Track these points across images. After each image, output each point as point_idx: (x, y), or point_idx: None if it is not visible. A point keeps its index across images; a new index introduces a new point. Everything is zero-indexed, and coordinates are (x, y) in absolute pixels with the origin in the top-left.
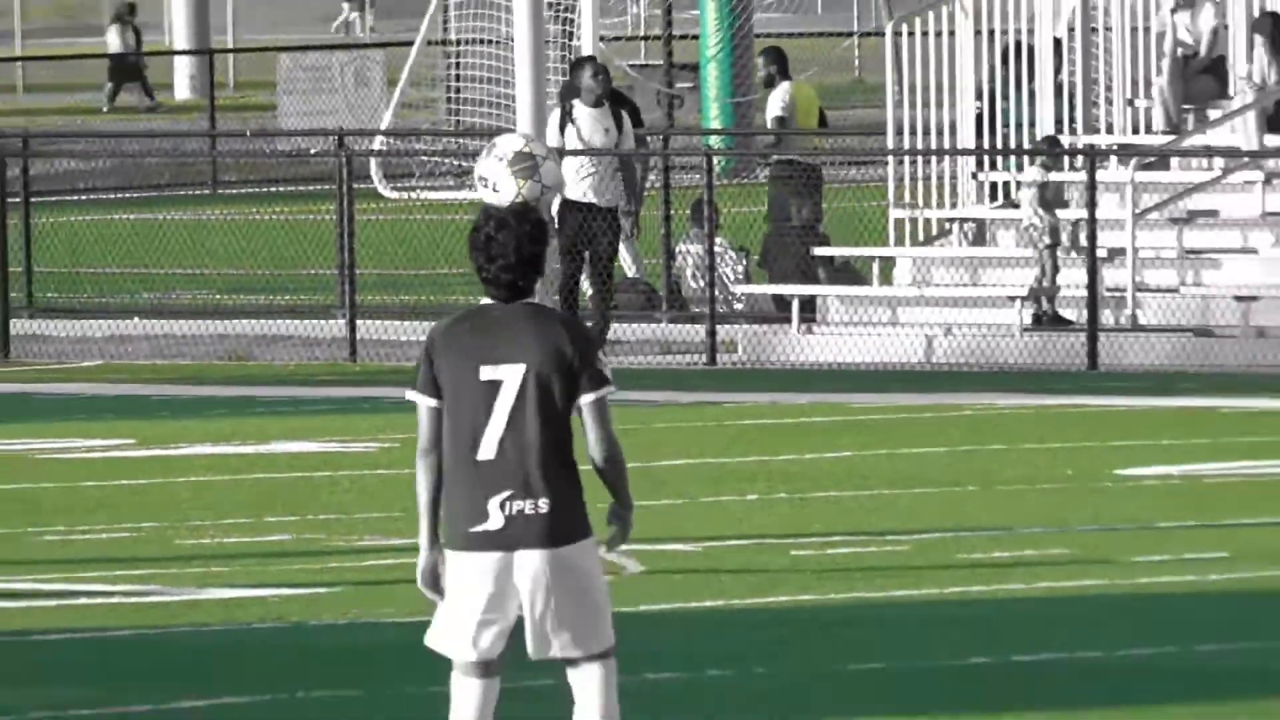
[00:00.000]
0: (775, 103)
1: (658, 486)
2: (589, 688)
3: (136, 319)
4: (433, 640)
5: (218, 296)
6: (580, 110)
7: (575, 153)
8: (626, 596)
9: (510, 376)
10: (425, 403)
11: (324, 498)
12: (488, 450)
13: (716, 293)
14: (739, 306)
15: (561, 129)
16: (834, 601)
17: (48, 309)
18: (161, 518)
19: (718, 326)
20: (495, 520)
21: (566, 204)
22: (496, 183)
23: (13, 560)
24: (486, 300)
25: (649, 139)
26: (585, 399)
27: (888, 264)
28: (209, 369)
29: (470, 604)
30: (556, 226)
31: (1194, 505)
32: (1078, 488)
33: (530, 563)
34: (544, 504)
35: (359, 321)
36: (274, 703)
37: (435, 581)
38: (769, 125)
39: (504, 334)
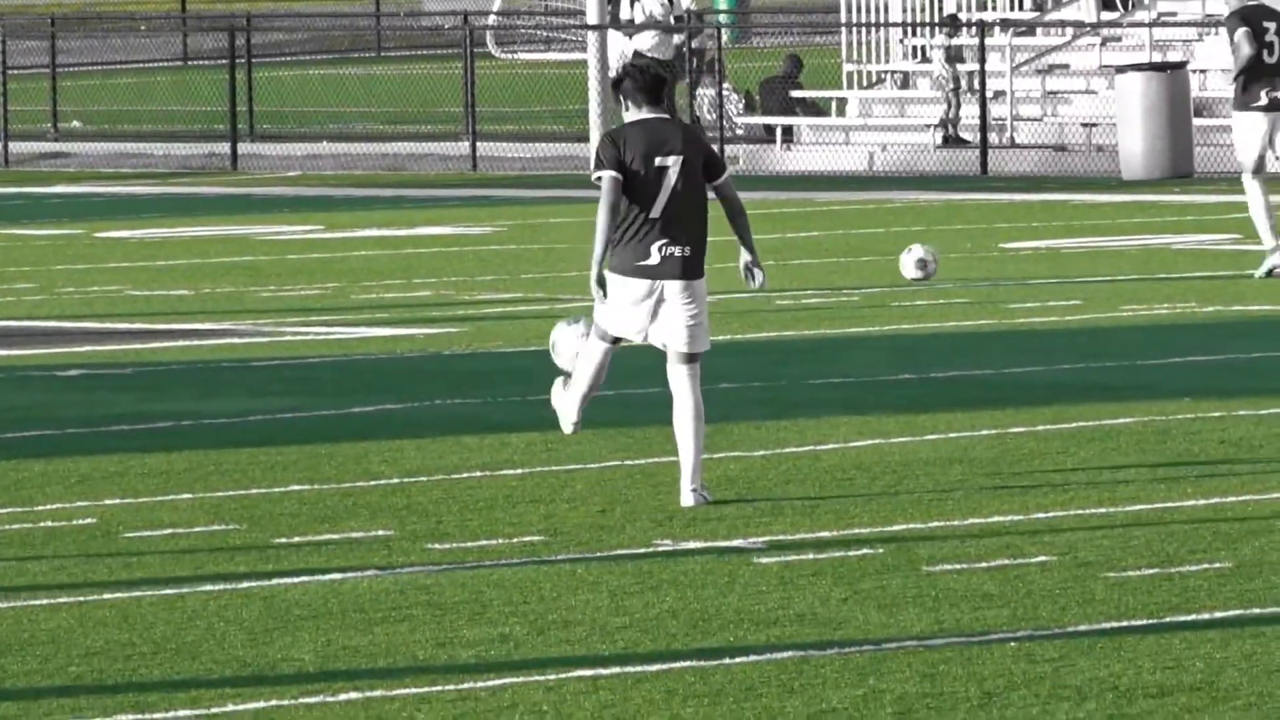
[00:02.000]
0: None
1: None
2: (686, 381)
3: (325, 142)
4: (598, 319)
5: (381, 126)
6: None
7: (642, 26)
8: None
9: (672, 164)
10: (612, 175)
11: (454, 265)
12: (657, 211)
13: (724, 122)
14: (740, 132)
15: (631, 3)
16: (807, 336)
17: (264, 136)
18: (342, 279)
19: (725, 145)
20: (655, 258)
21: (636, 55)
22: (556, 344)
23: (238, 309)
24: (636, 115)
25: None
26: (720, 178)
27: (843, 102)
28: (375, 177)
29: (625, 309)
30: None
31: (1056, 268)
32: (974, 256)
33: (671, 289)
34: (687, 250)
35: (478, 144)
36: (419, 408)
37: (601, 288)
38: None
39: (664, 135)
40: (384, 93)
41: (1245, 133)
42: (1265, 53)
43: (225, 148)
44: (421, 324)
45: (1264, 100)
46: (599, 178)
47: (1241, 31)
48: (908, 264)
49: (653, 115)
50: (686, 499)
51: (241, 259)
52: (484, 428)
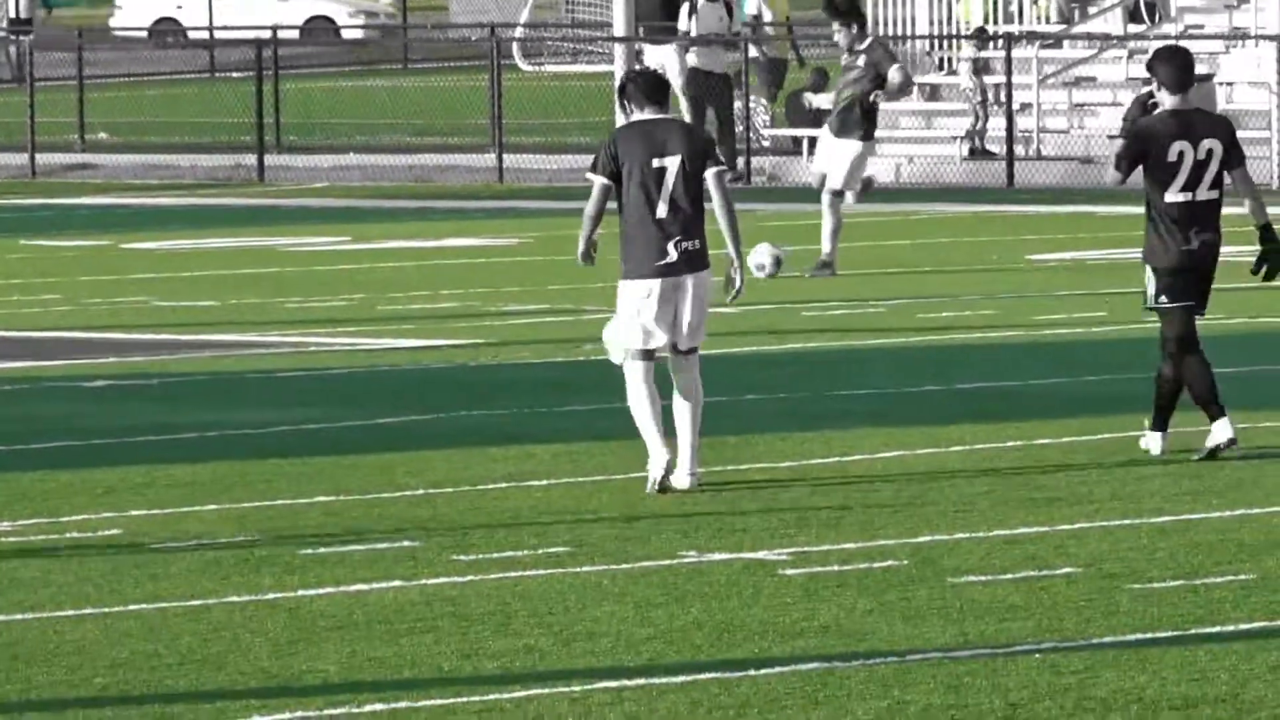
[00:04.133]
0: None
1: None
2: (687, 368)
3: (351, 154)
4: (613, 338)
5: (408, 138)
6: (702, 3)
7: (691, 41)
8: None
9: (671, 164)
10: (601, 181)
11: (480, 276)
12: (660, 213)
13: (750, 134)
14: (766, 144)
15: (690, 16)
16: (833, 347)
17: (291, 148)
18: (368, 291)
19: (751, 157)
20: (671, 255)
21: (693, 71)
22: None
23: (264, 321)
24: (638, 117)
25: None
26: (711, 172)
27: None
28: (401, 188)
29: (648, 313)
30: (686, 90)
31: (1082, 280)
32: (1000, 268)
33: (690, 282)
34: (697, 244)
35: (504, 155)
36: (444, 419)
37: (591, 255)
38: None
39: (663, 135)
40: (411, 105)
41: None
42: None
43: (252, 159)
44: (447, 335)
45: None
46: (590, 180)
47: None
48: (753, 261)
49: (653, 116)
50: (682, 482)
51: (268, 270)
52: (509, 439)
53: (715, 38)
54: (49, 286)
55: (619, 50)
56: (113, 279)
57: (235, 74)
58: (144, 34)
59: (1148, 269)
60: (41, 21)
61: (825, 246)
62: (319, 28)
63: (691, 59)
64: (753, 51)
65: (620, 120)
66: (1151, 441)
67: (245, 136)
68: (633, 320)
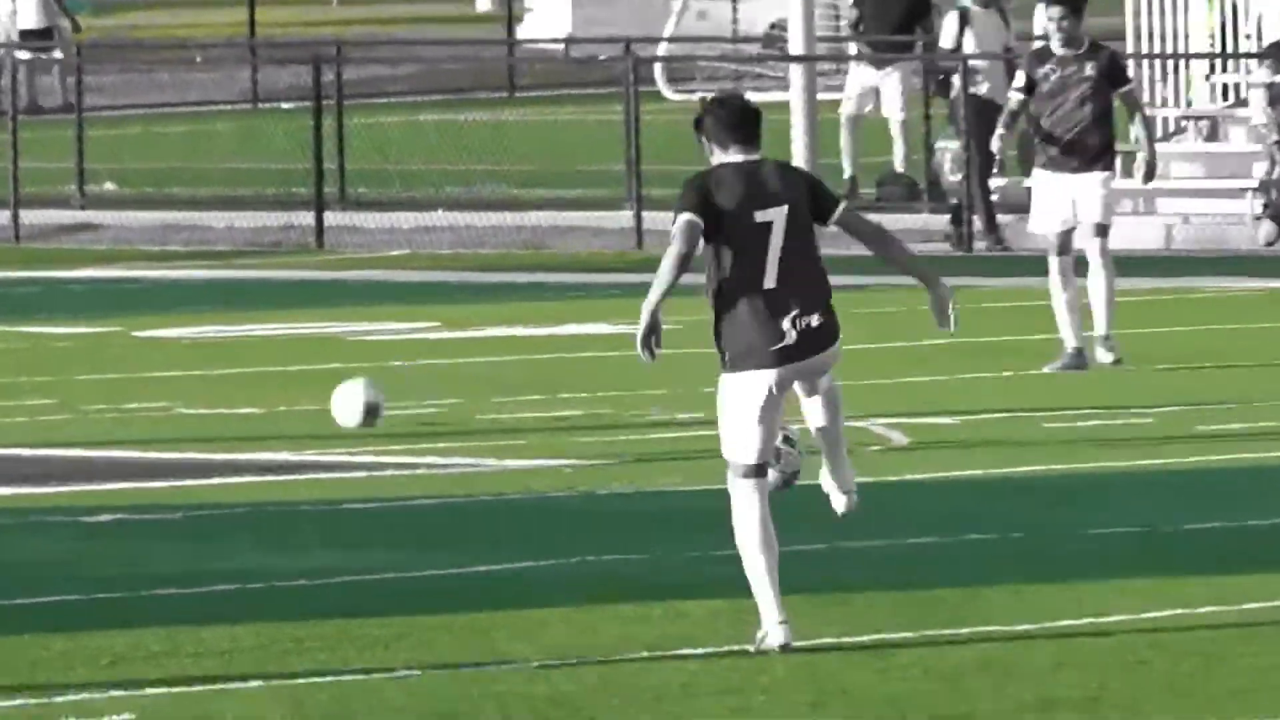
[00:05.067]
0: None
1: (920, 363)
2: (837, 449)
3: (440, 211)
4: (729, 452)
5: (514, 190)
6: (975, 12)
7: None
8: (892, 467)
9: (777, 216)
10: (692, 219)
11: (612, 376)
12: (770, 280)
13: (971, 185)
14: (994, 198)
15: (961, 29)
16: (1083, 470)
17: (358, 202)
18: (463, 395)
19: (972, 216)
20: (790, 335)
21: (979, 101)
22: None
23: (326, 434)
24: (721, 159)
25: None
26: (835, 214)
27: (1129, 158)
28: (506, 257)
29: (765, 413)
30: (966, 124)
31: None
32: None
33: (817, 364)
34: (822, 316)
35: (644, 213)
36: (564, 566)
37: (656, 345)
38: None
39: (763, 181)
40: (519, 145)
41: None
42: None
43: (308, 218)
44: (568, 454)
45: None
46: (676, 220)
47: None
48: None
49: (744, 158)
50: (839, 505)
51: (328, 367)
52: (651, 593)
53: (1001, 55)
54: (39, 388)
55: (796, 74)
56: (122, 378)
57: (285, 104)
58: (157, 47)
59: None
60: (69, 38)
61: (1067, 335)
62: (394, 40)
63: (962, 83)
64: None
65: (800, 166)
66: None
67: (299, 188)
68: (741, 425)
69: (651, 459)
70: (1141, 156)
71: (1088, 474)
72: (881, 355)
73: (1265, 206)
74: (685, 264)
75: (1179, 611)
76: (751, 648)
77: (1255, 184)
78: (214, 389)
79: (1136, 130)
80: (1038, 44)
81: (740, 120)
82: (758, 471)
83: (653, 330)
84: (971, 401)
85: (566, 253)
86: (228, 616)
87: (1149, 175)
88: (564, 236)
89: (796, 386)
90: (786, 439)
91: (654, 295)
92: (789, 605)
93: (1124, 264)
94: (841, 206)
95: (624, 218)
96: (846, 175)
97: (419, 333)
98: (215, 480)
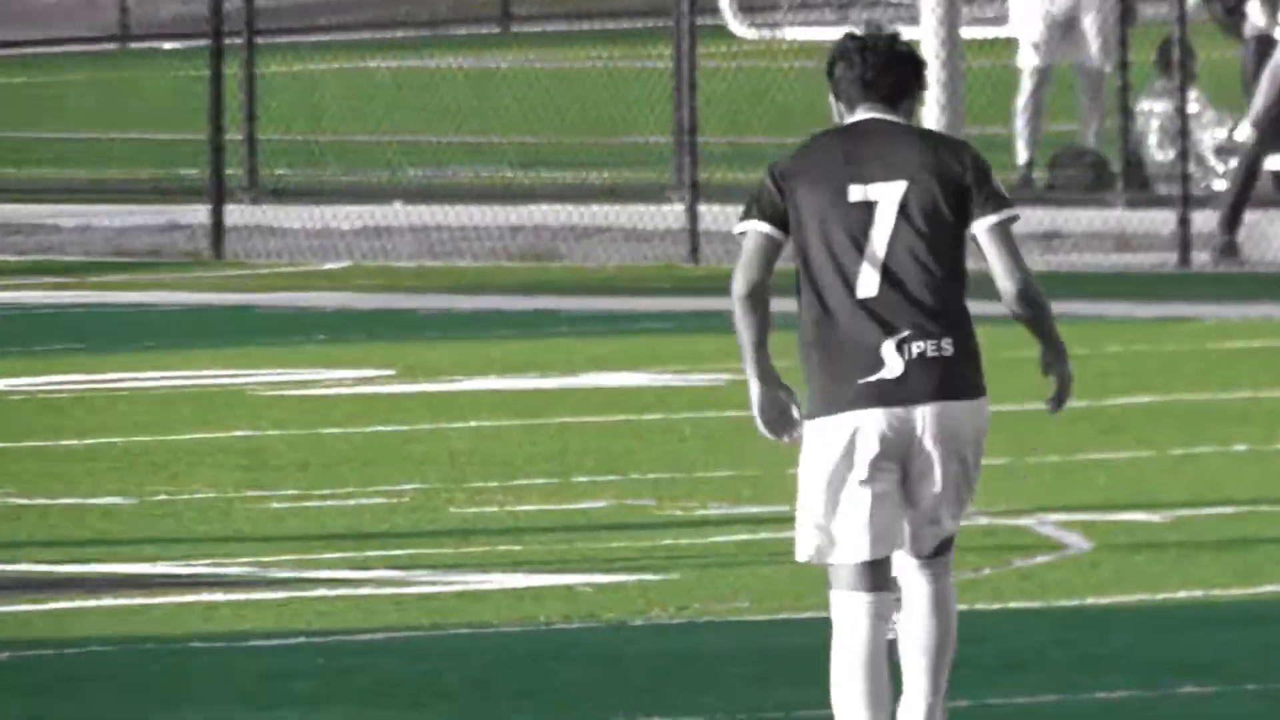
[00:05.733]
0: None
1: (1110, 431)
2: (931, 582)
3: (398, 204)
4: (809, 551)
5: (510, 174)
6: None
7: None
8: (1068, 584)
9: (887, 195)
10: (754, 226)
11: (655, 450)
12: (867, 288)
13: (1191, 168)
14: (1222, 186)
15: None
16: None
17: (276, 191)
18: (431, 478)
19: (1193, 214)
20: (893, 366)
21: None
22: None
23: (225, 536)
24: (850, 119)
25: None
26: (985, 222)
27: None
28: (497, 273)
29: (866, 478)
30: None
31: None
32: None
33: (933, 416)
34: (947, 345)
35: (702, 207)
36: None
37: (781, 416)
38: None
39: (877, 149)
40: (516, 104)
41: None
42: None
43: (200, 214)
44: (588, 567)
45: None
46: (741, 233)
47: None
48: None
49: (871, 117)
50: None
51: (232, 435)
52: None
53: None
54: None
55: (929, 3)
56: None
57: (167, 44)
58: None
59: None
60: None
61: None
62: None
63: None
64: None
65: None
66: None
67: (189, 169)
68: (829, 497)
69: (711, 570)
70: None
71: None
72: (1048, 420)
73: None
74: (758, 303)
75: None
76: None
77: None
78: (60, 467)
79: None
80: None
81: (877, 71)
82: (868, 578)
83: (772, 405)
84: (1187, 489)
85: (587, 266)
86: None
87: None
88: (583, 241)
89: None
90: None
91: (745, 356)
92: None
93: None
94: (1004, 215)
95: (673, 214)
96: (1021, 159)
97: (365, 384)
98: (62, 604)
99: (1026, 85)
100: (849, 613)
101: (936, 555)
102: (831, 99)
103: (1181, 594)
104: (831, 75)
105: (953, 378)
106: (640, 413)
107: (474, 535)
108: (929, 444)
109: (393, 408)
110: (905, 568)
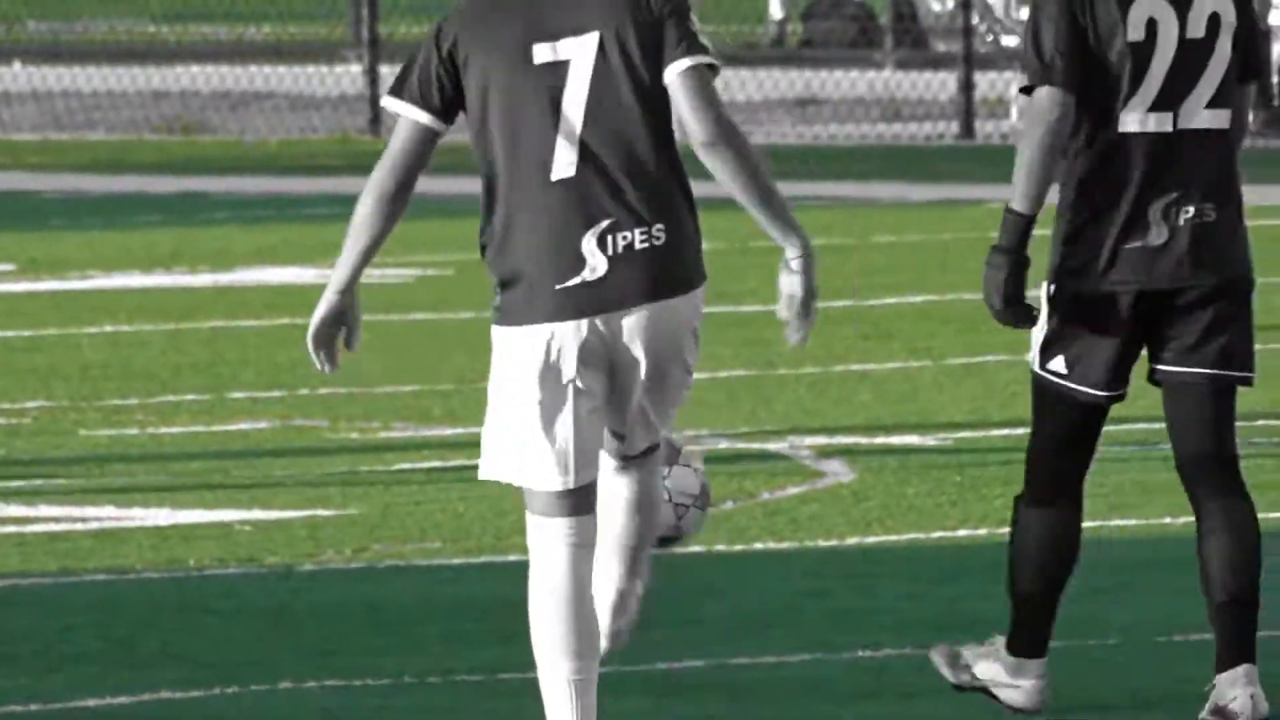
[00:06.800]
0: None
1: (876, 337)
2: (639, 485)
3: (18, 66)
4: (496, 470)
5: (153, 28)
6: None
7: None
8: (827, 521)
9: (579, 54)
10: (409, 112)
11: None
12: (563, 167)
13: (975, 19)
14: (1011, 42)
15: None
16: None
17: None
18: (59, 394)
19: (977, 76)
20: (595, 265)
21: None
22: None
23: None
24: None
25: None
26: (676, 66)
27: None
28: (137, 147)
29: (550, 397)
30: None
31: None
32: None
33: (646, 321)
34: (659, 232)
35: (384, 68)
36: (240, 697)
37: (329, 331)
38: None
39: None
40: None
41: None
42: None
43: None
44: (246, 501)
45: None
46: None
47: None
48: None
49: None
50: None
51: None
52: None
53: None
54: None
55: None
56: None
57: None
58: None
59: None
60: None
61: None
62: None
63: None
64: None
65: None
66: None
67: None
68: (516, 417)
69: (396, 506)
70: None
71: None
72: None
73: None
74: (399, 207)
75: None
76: None
77: None
78: None
79: None
80: None
81: None
82: (569, 502)
83: (334, 321)
84: (969, 407)
85: (245, 139)
86: None
87: None
88: (244, 110)
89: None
90: (676, 452)
91: (340, 270)
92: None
93: None
94: (698, 59)
95: (348, 76)
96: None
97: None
98: None
99: None
100: (546, 541)
101: (645, 455)
102: None
103: (962, 533)
104: None
105: (667, 272)
106: (309, 315)
107: (111, 463)
108: (639, 351)
109: (11, 310)
110: (605, 468)
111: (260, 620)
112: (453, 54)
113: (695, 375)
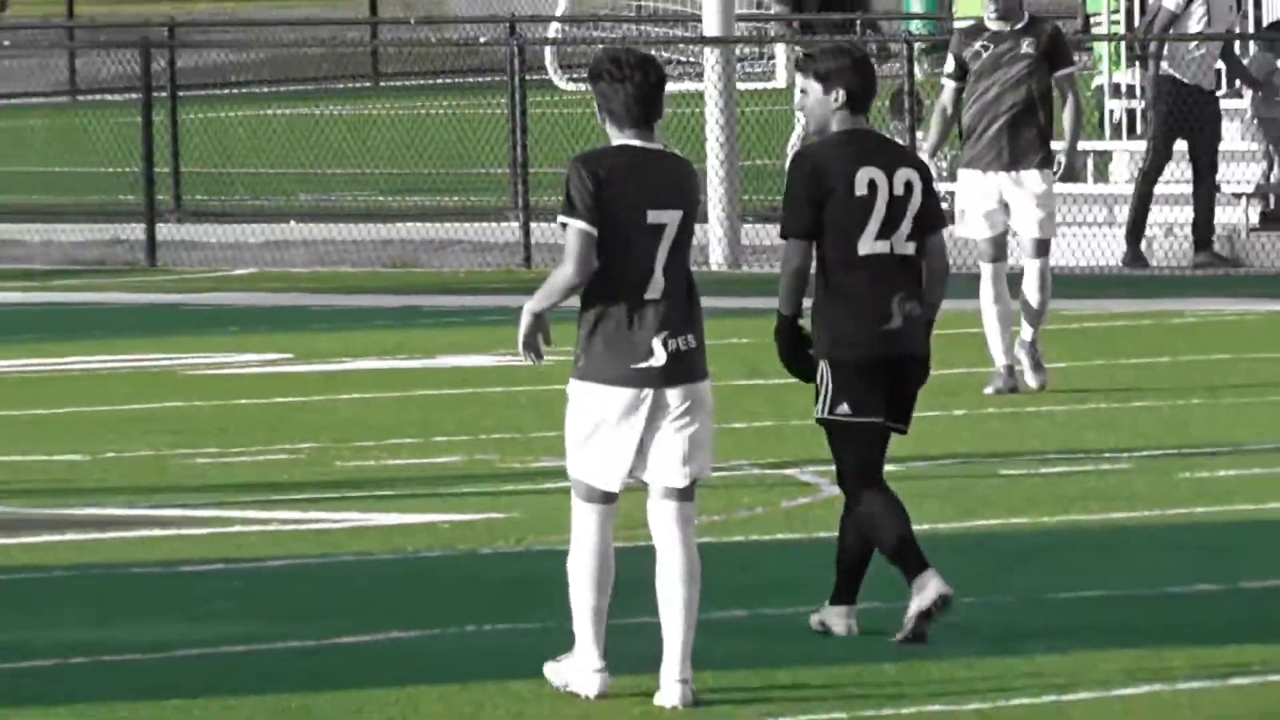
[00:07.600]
0: None
1: None
2: (679, 528)
3: (293, 223)
4: (580, 471)
5: (381, 198)
6: None
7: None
8: (825, 520)
9: (671, 221)
10: (584, 229)
11: (497, 416)
12: (653, 291)
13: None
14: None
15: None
16: (1047, 525)
17: (197, 212)
18: (322, 438)
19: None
20: (659, 356)
21: (1175, 86)
22: None
23: (161, 486)
24: (621, 140)
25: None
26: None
27: (1104, 159)
28: (372, 277)
29: (622, 437)
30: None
31: None
32: None
33: (678, 398)
34: (692, 339)
35: (533, 225)
36: (443, 637)
37: (537, 338)
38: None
39: (664, 177)
40: (385, 144)
41: None
42: None
43: (137, 230)
44: (446, 509)
45: None
46: (565, 225)
47: None
48: None
49: (641, 144)
50: (670, 695)
51: (164, 406)
52: (542, 670)
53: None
54: None
55: (711, 59)
56: None
57: (110, 97)
58: None
59: None
60: None
61: (996, 354)
62: (234, 20)
63: (1170, 66)
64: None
65: (716, 173)
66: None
67: (126, 195)
68: (588, 438)
69: (543, 511)
70: (1062, 152)
71: (1051, 529)
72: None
73: (1264, 217)
74: (581, 286)
75: (1159, 688)
76: (558, 681)
77: (1250, 188)
78: (29, 433)
79: (1065, 120)
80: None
81: (650, 92)
82: (605, 498)
83: (537, 330)
84: (919, 445)
85: (442, 271)
86: (47, 697)
87: (1065, 176)
88: (439, 252)
89: (649, 474)
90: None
91: (538, 301)
92: (702, 680)
93: (1095, 283)
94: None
95: (509, 230)
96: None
97: (270, 365)
98: (30, 539)
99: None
100: (586, 517)
101: (680, 500)
102: (602, 109)
103: (913, 527)
104: (598, 80)
105: (695, 365)
106: (486, 386)
107: (357, 484)
108: (669, 411)
109: (291, 384)
110: (656, 512)
111: (454, 587)
112: (596, 185)
113: (734, 424)
